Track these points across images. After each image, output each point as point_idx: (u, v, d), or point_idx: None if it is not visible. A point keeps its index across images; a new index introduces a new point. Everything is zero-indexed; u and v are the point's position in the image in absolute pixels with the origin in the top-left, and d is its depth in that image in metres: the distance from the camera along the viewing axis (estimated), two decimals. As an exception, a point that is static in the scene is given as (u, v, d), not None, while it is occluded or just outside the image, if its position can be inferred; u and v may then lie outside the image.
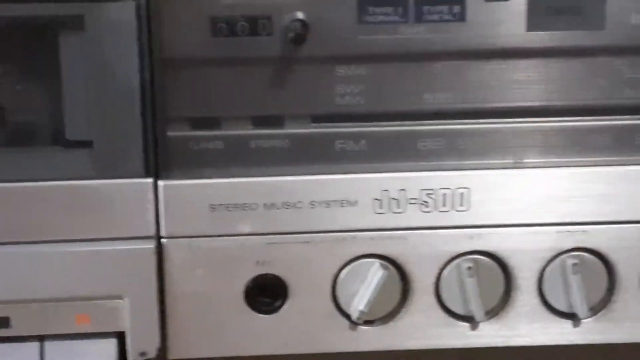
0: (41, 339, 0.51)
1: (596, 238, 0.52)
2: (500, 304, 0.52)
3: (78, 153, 0.49)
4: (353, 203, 0.50)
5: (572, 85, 0.49)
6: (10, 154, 0.50)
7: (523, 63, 0.49)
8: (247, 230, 0.50)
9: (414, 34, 0.48)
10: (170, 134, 0.49)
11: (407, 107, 0.49)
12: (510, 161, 0.50)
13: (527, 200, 0.51)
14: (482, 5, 0.47)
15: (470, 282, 0.51)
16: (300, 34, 0.46)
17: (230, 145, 0.50)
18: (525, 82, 0.49)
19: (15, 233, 0.49)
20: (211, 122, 0.49)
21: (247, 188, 0.50)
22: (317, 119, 0.49)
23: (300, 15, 0.47)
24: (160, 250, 0.50)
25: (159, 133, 0.49)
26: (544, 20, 0.49)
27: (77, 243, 0.50)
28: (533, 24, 0.48)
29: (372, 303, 0.51)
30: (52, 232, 0.50)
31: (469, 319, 0.52)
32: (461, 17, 0.47)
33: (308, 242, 0.51)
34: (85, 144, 0.49)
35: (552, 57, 0.49)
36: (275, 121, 0.50)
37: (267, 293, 0.52)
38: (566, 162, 0.50)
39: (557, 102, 0.49)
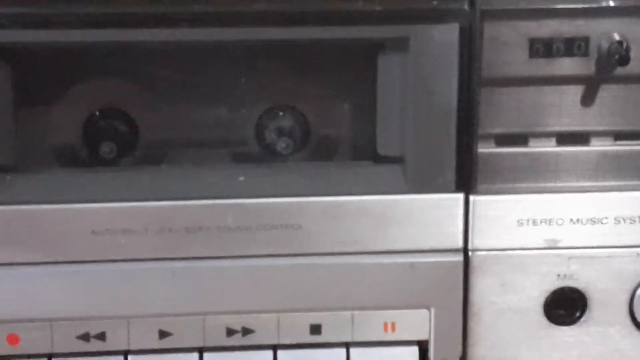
0: (347, 345, 0.53)
1: None
2: None
3: (389, 168, 0.51)
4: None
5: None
6: (318, 167, 0.52)
7: None
8: (552, 244, 0.50)
9: None
10: (480, 150, 0.49)
11: None
12: None
13: None
14: None
15: None
16: (625, 55, 0.47)
17: (535, 162, 0.50)
18: None
19: (325, 245, 0.51)
20: (519, 139, 0.50)
21: (552, 203, 0.50)
22: (621, 136, 0.50)
23: (617, 36, 0.48)
24: (467, 263, 0.51)
25: (469, 150, 0.49)
26: None
27: (388, 255, 0.50)
28: None
29: None
30: (363, 244, 0.50)
31: None
32: None
33: (611, 256, 0.51)
34: (396, 160, 0.51)
35: None
36: (579, 138, 0.49)
37: (565, 305, 0.52)
38: None
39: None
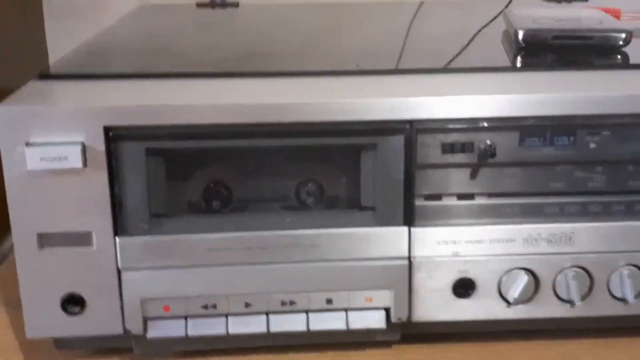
0: (346, 310, 0.62)
1: (638, 258, 0.62)
2: (587, 294, 0.63)
3: (367, 213, 0.60)
4: (512, 240, 0.62)
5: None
6: (329, 212, 0.61)
7: None
8: (456, 254, 0.61)
9: None
10: (416, 203, 0.60)
11: (536, 189, 0.60)
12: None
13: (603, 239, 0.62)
14: None
15: (573, 283, 0.62)
16: (494, 152, 0.58)
17: (446, 209, 0.60)
18: None
19: (333, 255, 0.60)
20: (437, 197, 0.60)
21: (456, 232, 0.60)
22: (493, 195, 0.60)
23: (488, 142, 0.58)
24: (410, 265, 0.61)
25: (410, 203, 0.59)
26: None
27: (368, 260, 0.60)
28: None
29: (521, 293, 0.62)
30: (354, 255, 0.60)
31: (570, 301, 0.63)
32: None
33: (488, 261, 0.61)
34: (371, 208, 0.60)
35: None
36: (469, 197, 0.60)
37: (463, 287, 0.62)
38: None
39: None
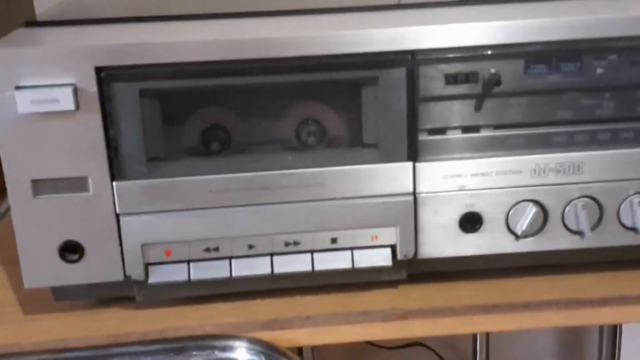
0: (352, 249, 0.62)
1: None
2: (596, 224, 0.63)
3: (370, 150, 0.60)
4: (519, 172, 0.61)
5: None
6: (332, 151, 0.60)
7: None
8: (462, 188, 0.60)
9: None
10: (420, 138, 0.60)
11: (542, 119, 0.60)
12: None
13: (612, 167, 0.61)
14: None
15: (583, 213, 0.62)
16: (499, 80, 0.57)
17: (450, 143, 0.60)
18: None
19: (338, 194, 0.60)
20: (441, 131, 0.59)
21: (461, 165, 0.60)
22: (498, 127, 0.60)
23: (492, 70, 0.58)
24: (415, 200, 0.61)
25: (414, 137, 0.59)
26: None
27: (372, 198, 0.60)
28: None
29: (529, 226, 0.62)
30: (359, 192, 0.59)
31: (580, 233, 0.63)
32: None
33: (494, 194, 0.61)
34: (374, 145, 0.60)
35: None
36: (474, 129, 0.60)
37: (470, 222, 0.62)
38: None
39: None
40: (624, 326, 1.22)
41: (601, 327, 1.23)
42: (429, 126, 0.61)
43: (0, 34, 0.60)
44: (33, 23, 0.63)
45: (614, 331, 1.21)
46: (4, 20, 0.95)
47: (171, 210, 0.60)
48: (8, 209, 0.84)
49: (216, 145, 0.61)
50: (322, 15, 0.64)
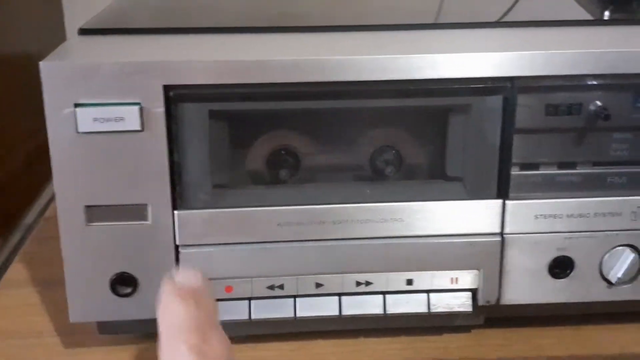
0: (428, 292, 0.58)
1: None
2: None
3: (454, 184, 0.57)
4: (618, 214, 0.57)
5: None
6: (410, 184, 0.57)
7: None
8: (554, 229, 0.57)
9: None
10: (512, 172, 0.55)
11: None
12: None
13: None
14: None
15: None
16: (608, 115, 0.53)
17: (546, 179, 0.56)
18: None
19: (418, 231, 0.56)
20: (535, 166, 0.55)
21: (555, 205, 0.56)
22: (598, 163, 0.56)
23: (599, 103, 0.54)
24: (502, 242, 0.57)
25: (506, 172, 0.55)
26: None
27: (456, 237, 0.56)
28: None
29: (626, 272, 0.58)
30: (441, 230, 0.56)
31: None
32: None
33: (590, 237, 0.57)
34: (459, 179, 0.57)
35: None
36: (571, 165, 0.56)
37: (561, 267, 0.58)
38: None
39: None
40: None
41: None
42: (522, 160, 0.56)
43: (35, 49, 0.56)
44: (89, 31, 0.58)
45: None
46: (36, 35, 0.91)
47: (235, 243, 0.56)
48: (35, 221, 0.82)
49: (285, 172, 0.57)
50: (397, 31, 0.59)
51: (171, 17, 0.67)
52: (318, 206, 0.56)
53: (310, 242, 0.56)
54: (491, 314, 0.61)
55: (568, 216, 0.57)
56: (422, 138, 0.58)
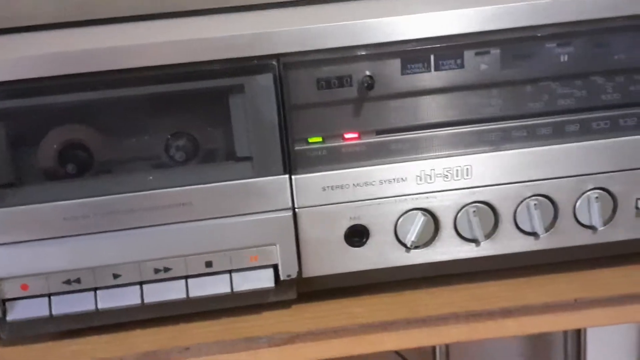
0: (230, 272, 0.59)
1: (544, 188, 0.59)
2: (492, 230, 0.60)
3: (244, 164, 0.57)
4: (404, 179, 0.58)
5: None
6: (202, 167, 0.57)
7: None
8: (345, 200, 0.58)
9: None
10: (296, 148, 0.57)
11: (425, 121, 0.57)
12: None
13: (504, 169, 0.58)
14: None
15: (475, 220, 0.59)
16: (371, 84, 0.55)
17: (328, 152, 0.57)
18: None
19: (208, 213, 0.56)
20: (318, 139, 0.56)
21: (342, 175, 0.57)
22: (379, 132, 0.57)
23: (367, 72, 0.55)
24: (295, 216, 0.58)
25: (288, 149, 0.56)
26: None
27: (248, 215, 0.57)
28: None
29: (419, 236, 0.59)
30: (233, 211, 0.56)
31: (475, 240, 0.60)
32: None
33: (380, 204, 0.58)
34: (248, 159, 0.57)
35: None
36: (353, 136, 0.57)
37: (356, 235, 0.59)
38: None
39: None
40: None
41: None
42: (303, 136, 0.57)
43: None
44: None
45: (578, 332, 1.18)
46: None
47: (25, 241, 0.56)
48: None
49: (72, 166, 0.57)
50: (173, 19, 0.60)
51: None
52: (103, 197, 0.56)
53: (101, 233, 0.56)
54: (303, 289, 0.61)
55: (355, 185, 0.58)
56: (210, 121, 0.58)
